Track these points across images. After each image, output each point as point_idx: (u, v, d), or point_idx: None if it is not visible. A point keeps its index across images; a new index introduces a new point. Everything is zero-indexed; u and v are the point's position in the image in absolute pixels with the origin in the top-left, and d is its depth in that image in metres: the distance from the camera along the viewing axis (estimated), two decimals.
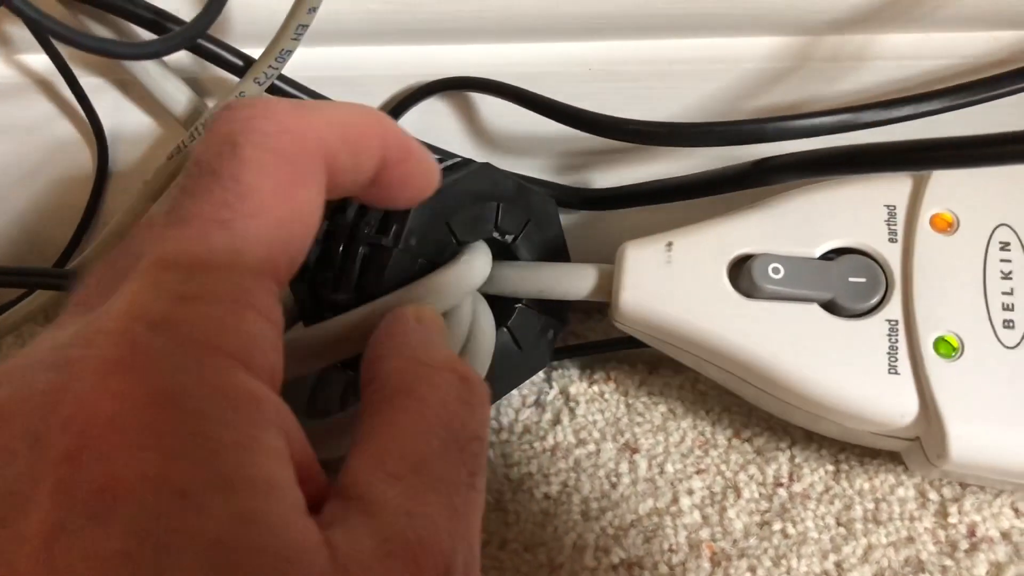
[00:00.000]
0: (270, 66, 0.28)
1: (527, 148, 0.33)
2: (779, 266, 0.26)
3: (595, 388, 0.33)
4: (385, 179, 0.21)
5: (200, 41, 0.29)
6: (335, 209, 0.28)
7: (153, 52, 0.27)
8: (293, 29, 0.27)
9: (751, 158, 0.29)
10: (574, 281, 0.29)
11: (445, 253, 0.28)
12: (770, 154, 0.28)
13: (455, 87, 0.31)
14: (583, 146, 0.33)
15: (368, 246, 0.27)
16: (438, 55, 0.32)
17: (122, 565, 0.14)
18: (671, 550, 0.27)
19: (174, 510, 0.14)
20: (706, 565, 0.27)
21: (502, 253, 0.29)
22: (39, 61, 0.33)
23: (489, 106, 0.32)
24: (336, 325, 0.25)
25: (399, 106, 0.32)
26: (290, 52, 0.28)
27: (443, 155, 0.33)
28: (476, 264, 0.27)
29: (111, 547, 0.14)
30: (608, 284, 0.28)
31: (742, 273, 0.27)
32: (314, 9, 0.26)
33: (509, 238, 0.29)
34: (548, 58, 0.31)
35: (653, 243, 0.28)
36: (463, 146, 0.34)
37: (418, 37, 0.31)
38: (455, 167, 0.29)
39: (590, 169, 0.34)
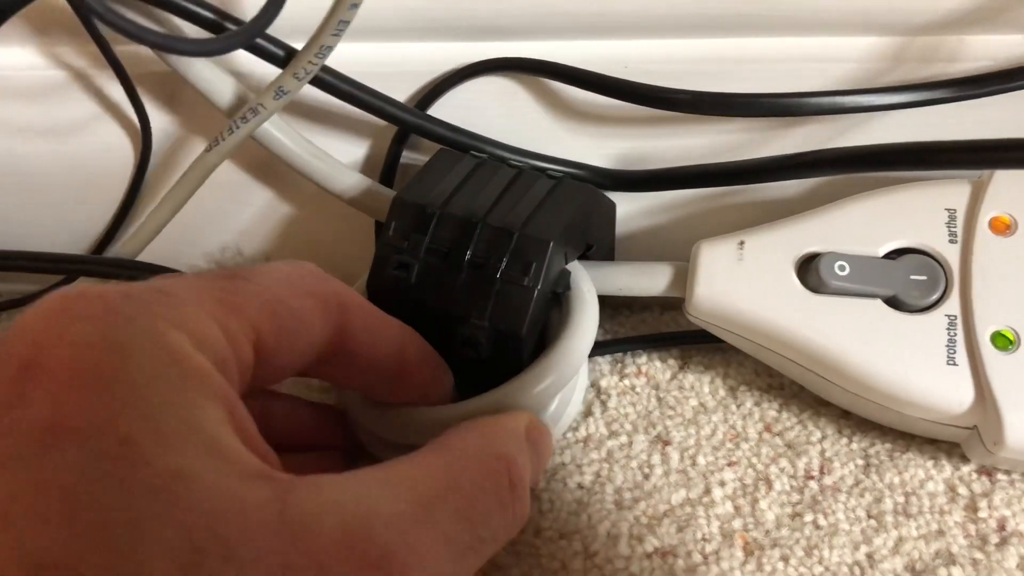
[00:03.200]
0: (310, 61, 0.29)
1: (568, 131, 0.34)
2: (845, 264, 0.28)
3: (626, 382, 0.33)
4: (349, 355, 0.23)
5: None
6: (456, 226, 0.29)
7: (215, 50, 0.28)
8: (335, 24, 0.27)
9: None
10: (651, 278, 0.31)
11: (560, 280, 0.29)
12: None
13: (491, 69, 0.32)
14: (627, 125, 0.33)
15: (505, 282, 0.28)
16: (475, 51, 0.32)
17: (61, 498, 0.15)
18: (704, 539, 0.28)
19: (115, 455, 0.15)
20: (739, 554, 0.27)
21: (581, 255, 0.31)
22: (75, 54, 0.33)
23: (527, 91, 0.33)
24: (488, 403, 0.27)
25: (434, 90, 0.33)
26: (331, 48, 0.28)
27: (528, 156, 0.33)
28: (594, 315, 0.29)
29: (54, 479, 0.15)
30: (682, 280, 0.30)
31: (810, 270, 0.29)
32: (356, 5, 0.27)
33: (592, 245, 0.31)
34: (584, 56, 0.32)
35: (725, 242, 0.30)
36: (501, 131, 0.34)
37: (455, 34, 0.32)
38: (557, 186, 0.30)
39: (633, 151, 0.34)
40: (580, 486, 0.30)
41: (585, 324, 0.28)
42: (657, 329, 0.36)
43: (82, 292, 0.18)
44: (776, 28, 0.31)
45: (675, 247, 0.34)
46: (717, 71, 0.31)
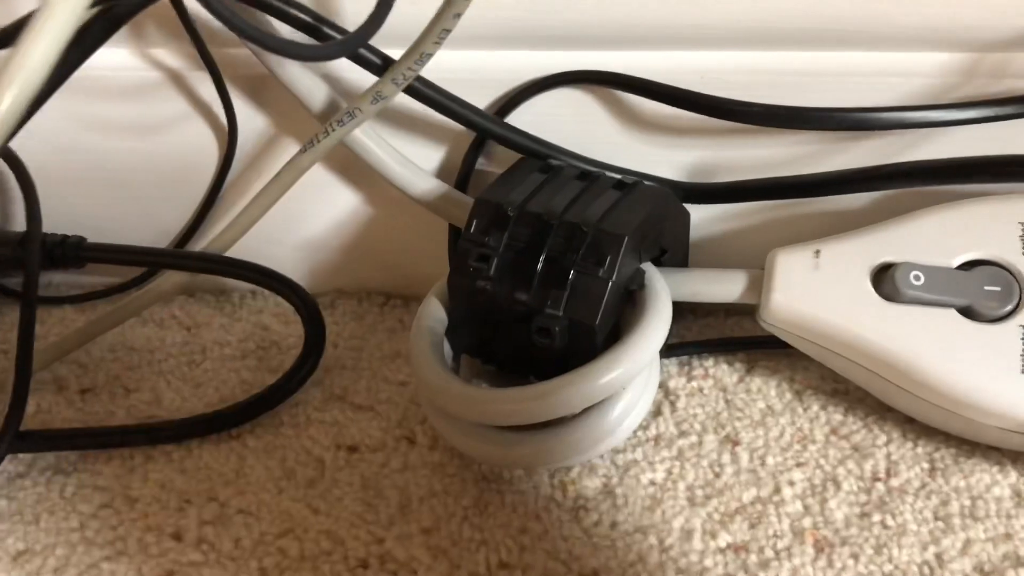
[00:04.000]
0: (409, 68, 0.30)
1: (641, 142, 0.35)
2: (920, 274, 0.29)
3: (694, 384, 0.34)
4: None
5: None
6: (533, 223, 0.30)
7: (323, 55, 0.30)
8: (437, 33, 0.28)
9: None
10: (725, 285, 0.32)
11: (635, 278, 0.30)
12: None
13: (568, 82, 0.33)
14: (700, 136, 0.34)
15: (580, 273, 0.29)
16: (550, 61, 0.33)
17: None
18: (776, 536, 0.29)
19: None
20: (810, 551, 0.28)
21: (655, 260, 0.32)
22: (169, 55, 0.35)
23: (602, 102, 0.34)
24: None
25: (512, 99, 0.34)
26: (430, 55, 0.29)
27: (601, 166, 0.35)
28: (668, 311, 0.30)
29: None
30: (757, 288, 0.31)
31: (885, 279, 0.29)
32: (459, 15, 0.28)
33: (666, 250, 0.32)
34: (660, 66, 0.33)
35: (801, 250, 0.31)
36: (575, 141, 0.35)
37: (532, 43, 0.33)
38: (632, 189, 0.31)
39: (705, 161, 0.35)
40: (652, 483, 0.31)
41: (659, 318, 0.29)
42: (722, 333, 0.37)
43: None
44: (849, 43, 0.32)
45: (742, 255, 0.35)
46: (790, 83, 0.32)
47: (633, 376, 0.29)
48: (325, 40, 0.30)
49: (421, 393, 0.32)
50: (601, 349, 0.29)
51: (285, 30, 0.31)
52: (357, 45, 0.29)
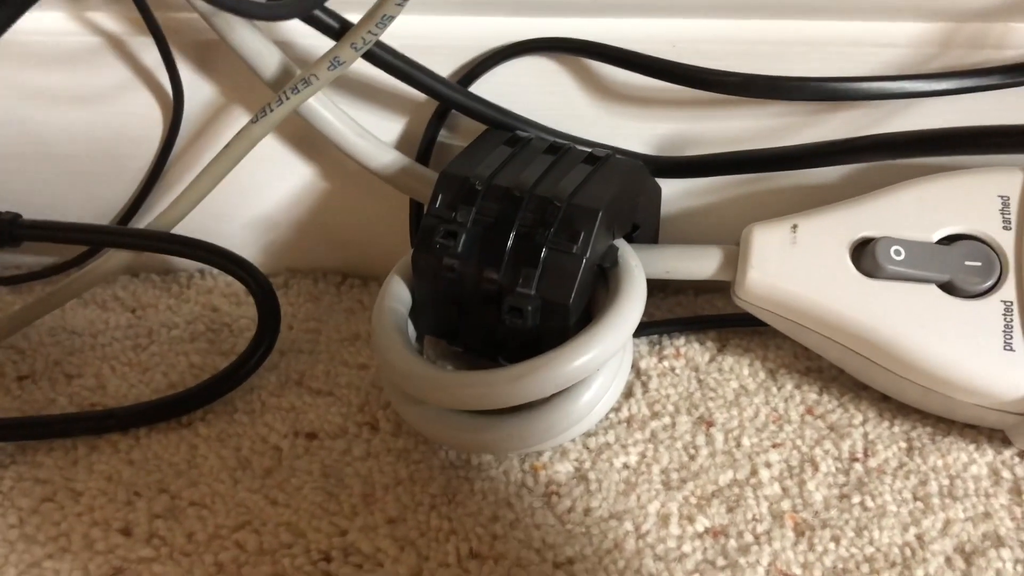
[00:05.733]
0: (369, 32, 0.28)
1: (611, 113, 0.34)
2: (900, 248, 0.28)
3: (665, 363, 0.33)
4: None
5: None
6: (502, 198, 0.29)
7: (277, 15, 0.28)
8: None
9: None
10: (700, 261, 0.31)
11: (607, 255, 0.29)
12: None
13: (535, 49, 0.32)
14: (672, 107, 0.33)
15: (552, 250, 0.28)
16: (516, 27, 0.32)
17: None
18: (755, 519, 0.28)
19: None
20: (790, 534, 0.28)
21: (626, 236, 0.31)
22: (110, 19, 0.33)
23: (571, 71, 0.33)
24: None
25: (476, 68, 0.32)
26: (392, 18, 0.28)
27: (570, 139, 0.33)
28: (643, 289, 0.29)
29: None
30: (732, 264, 0.30)
31: (864, 254, 0.29)
32: None
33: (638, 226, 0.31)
34: (631, 34, 0.31)
35: (778, 225, 0.30)
36: (542, 111, 0.34)
37: (496, 8, 0.32)
38: (604, 162, 0.30)
39: (677, 133, 0.34)
40: (626, 466, 0.30)
41: (634, 298, 0.28)
42: (693, 312, 0.36)
43: None
44: (824, 11, 0.31)
45: (713, 230, 0.35)
46: (763, 53, 0.31)
47: (608, 358, 0.27)
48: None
49: (384, 377, 0.31)
50: (573, 329, 0.28)
51: None
52: (313, 6, 0.27)
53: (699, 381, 0.32)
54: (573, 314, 0.28)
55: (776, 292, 0.29)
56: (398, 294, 0.30)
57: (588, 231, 0.28)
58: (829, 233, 0.29)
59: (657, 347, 0.34)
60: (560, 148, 0.31)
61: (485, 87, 0.33)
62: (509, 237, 0.28)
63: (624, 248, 0.30)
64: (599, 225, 0.28)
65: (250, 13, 0.27)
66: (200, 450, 0.31)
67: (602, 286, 0.29)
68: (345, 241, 0.38)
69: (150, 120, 0.35)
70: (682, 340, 0.34)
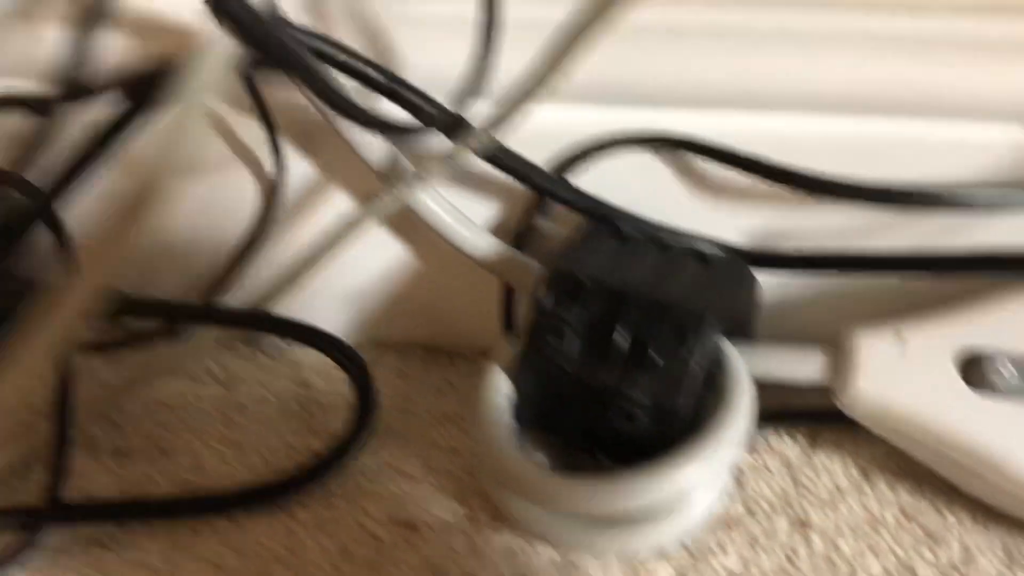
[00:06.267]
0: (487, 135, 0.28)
1: (707, 205, 0.34)
2: (1012, 364, 0.28)
3: (758, 459, 0.33)
4: None
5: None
6: (609, 296, 0.29)
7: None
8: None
9: None
10: (799, 365, 0.31)
11: (715, 357, 0.29)
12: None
13: (634, 143, 0.32)
14: (771, 201, 0.33)
15: (660, 352, 0.28)
16: (619, 118, 0.32)
17: None
18: None
19: None
20: None
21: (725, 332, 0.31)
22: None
23: (668, 163, 0.33)
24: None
25: (573, 159, 0.33)
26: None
27: (668, 230, 0.33)
28: (752, 395, 0.29)
29: None
30: (834, 369, 0.30)
31: (975, 369, 0.28)
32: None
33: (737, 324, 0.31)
34: (730, 128, 0.32)
35: (883, 332, 0.29)
36: (637, 202, 0.34)
37: (603, 100, 0.32)
38: (710, 261, 0.30)
39: (773, 226, 0.34)
40: (727, 569, 0.30)
41: (744, 406, 0.29)
42: (780, 402, 0.36)
43: None
44: (931, 111, 0.31)
45: (801, 325, 0.35)
46: (870, 151, 0.31)
47: (723, 469, 0.28)
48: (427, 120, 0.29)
49: (491, 476, 0.31)
50: (680, 430, 0.28)
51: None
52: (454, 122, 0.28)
53: (792, 479, 0.33)
54: (684, 420, 0.28)
55: (886, 405, 0.29)
56: (502, 390, 0.30)
57: (697, 334, 0.28)
58: (937, 344, 0.29)
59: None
60: (664, 244, 0.31)
61: (580, 175, 0.33)
62: (618, 338, 0.28)
63: (728, 350, 0.30)
64: (707, 327, 0.28)
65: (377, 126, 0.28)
66: (299, 536, 0.31)
67: (709, 388, 0.29)
68: (432, 316, 0.38)
69: (248, 195, 0.36)
70: (773, 435, 0.34)
